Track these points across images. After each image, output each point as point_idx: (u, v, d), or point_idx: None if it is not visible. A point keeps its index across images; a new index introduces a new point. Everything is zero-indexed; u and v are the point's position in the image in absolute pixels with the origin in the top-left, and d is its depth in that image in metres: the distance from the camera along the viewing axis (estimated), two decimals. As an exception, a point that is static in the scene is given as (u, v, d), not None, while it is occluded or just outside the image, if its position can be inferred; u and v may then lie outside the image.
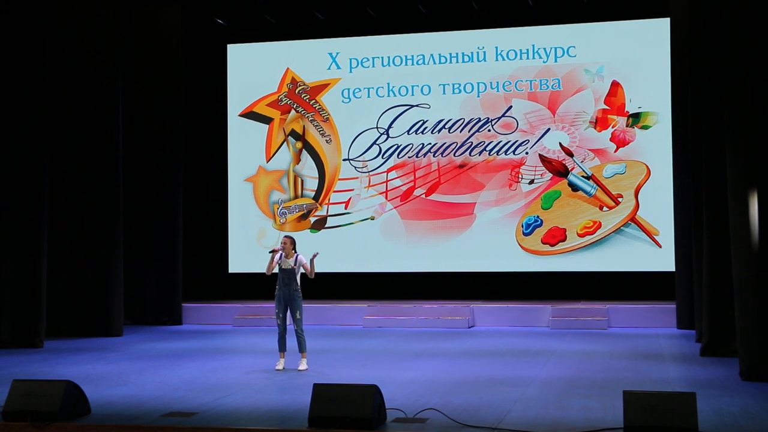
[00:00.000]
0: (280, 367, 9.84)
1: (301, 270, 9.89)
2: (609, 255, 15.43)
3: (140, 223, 15.73)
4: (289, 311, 9.89)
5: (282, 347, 9.92)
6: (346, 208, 16.62)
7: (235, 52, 17.35)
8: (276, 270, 9.90)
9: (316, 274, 9.94)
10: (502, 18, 16.20)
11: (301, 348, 9.87)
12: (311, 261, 9.85)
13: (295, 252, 9.90)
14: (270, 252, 9.89)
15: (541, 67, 15.93)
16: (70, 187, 14.15)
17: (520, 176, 15.87)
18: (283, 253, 9.82)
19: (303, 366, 9.79)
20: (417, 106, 16.43)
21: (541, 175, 15.79)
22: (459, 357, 10.97)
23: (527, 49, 16.01)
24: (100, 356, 11.40)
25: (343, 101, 16.75)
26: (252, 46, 17.30)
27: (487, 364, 10.20)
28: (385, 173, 16.49)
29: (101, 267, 14.02)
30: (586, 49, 15.79)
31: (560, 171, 15.70)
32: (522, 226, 15.81)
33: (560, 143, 15.73)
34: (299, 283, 9.88)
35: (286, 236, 10.00)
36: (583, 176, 15.59)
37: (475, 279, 16.15)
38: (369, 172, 16.55)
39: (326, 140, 16.75)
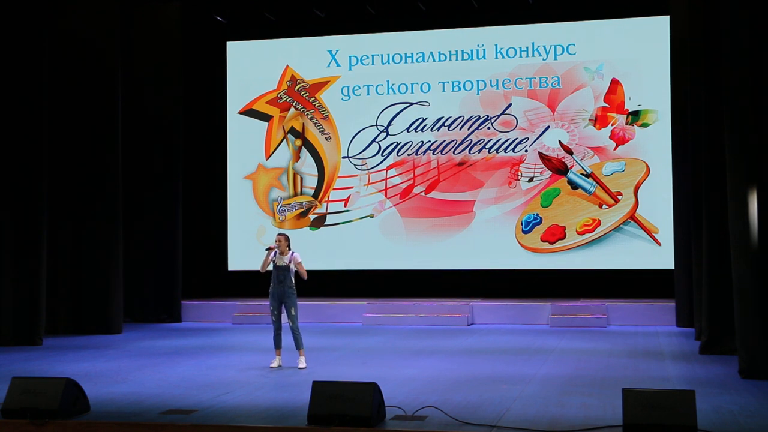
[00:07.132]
0: (275, 365, 9.82)
1: (295, 268, 9.90)
2: (608, 253, 15.43)
3: (140, 221, 15.73)
4: (284, 308, 9.90)
5: (277, 344, 9.90)
6: (345, 206, 16.61)
7: (235, 49, 17.33)
8: (270, 267, 9.91)
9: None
10: (501, 16, 16.19)
11: (298, 345, 9.86)
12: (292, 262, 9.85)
13: (290, 249, 9.91)
14: (266, 249, 9.90)
15: (541, 64, 15.93)
16: (70, 185, 14.13)
17: (519, 174, 15.87)
18: (278, 251, 9.84)
19: (302, 364, 9.76)
20: (416, 103, 16.42)
21: (541, 172, 15.79)
22: (458, 355, 10.98)
23: (527, 47, 16.00)
24: (100, 354, 11.40)
25: (342, 99, 16.74)
26: (251, 43, 17.29)
27: (486, 362, 10.20)
28: (385, 171, 16.49)
29: (101, 264, 14.01)
30: (585, 47, 15.79)
31: (560, 169, 15.70)
32: (521, 224, 15.81)
33: (560, 141, 15.73)
34: (293, 280, 9.89)
35: (280, 234, 9.98)
36: (582, 174, 15.59)
37: (475, 277, 16.15)
38: (368, 169, 16.54)
39: (326, 138, 16.74)
